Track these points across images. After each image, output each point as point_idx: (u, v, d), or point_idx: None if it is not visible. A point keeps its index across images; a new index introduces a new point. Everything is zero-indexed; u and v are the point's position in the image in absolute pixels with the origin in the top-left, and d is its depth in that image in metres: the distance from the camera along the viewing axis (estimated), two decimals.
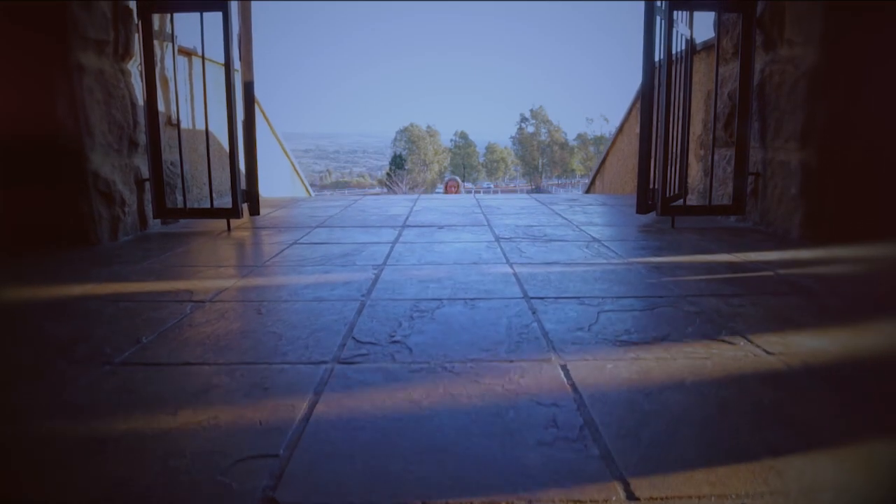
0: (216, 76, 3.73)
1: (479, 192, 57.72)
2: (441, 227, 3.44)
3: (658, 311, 1.81)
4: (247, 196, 3.58)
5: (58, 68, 2.91)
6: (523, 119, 58.47)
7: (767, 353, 1.47)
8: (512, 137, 60.12)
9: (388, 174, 52.22)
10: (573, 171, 57.35)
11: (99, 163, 3.08)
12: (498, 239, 3.06)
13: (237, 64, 3.45)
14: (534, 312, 1.80)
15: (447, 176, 10.75)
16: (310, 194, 7.98)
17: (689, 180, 4.68)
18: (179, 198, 3.76)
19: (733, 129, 3.56)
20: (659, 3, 3.39)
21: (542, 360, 1.42)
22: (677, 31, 3.53)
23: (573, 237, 3.11)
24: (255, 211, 3.63)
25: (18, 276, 2.44)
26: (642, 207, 3.58)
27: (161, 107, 3.54)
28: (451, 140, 60.60)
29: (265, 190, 6.09)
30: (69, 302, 2.01)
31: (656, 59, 3.46)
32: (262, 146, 6.03)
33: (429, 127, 56.87)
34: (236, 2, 3.42)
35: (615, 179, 6.76)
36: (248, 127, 3.54)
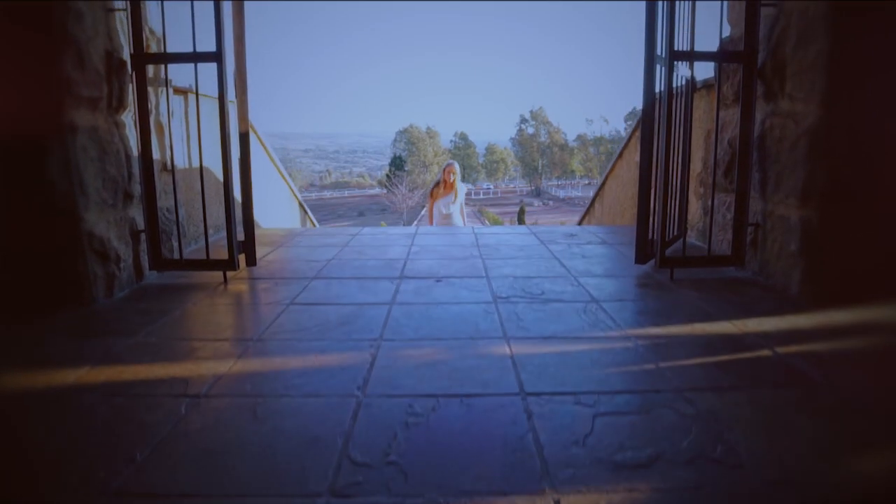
0: (213, 112, 3.66)
1: (478, 193, 57.76)
2: (439, 280, 3.43)
3: (654, 415, 1.80)
4: (243, 246, 3.56)
5: (51, 129, 2.89)
6: (523, 120, 58.53)
7: (763, 481, 1.46)
8: (512, 139, 60.23)
9: (387, 176, 52.23)
10: (573, 171, 57.43)
11: (93, 221, 3.06)
12: (496, 299, 3.04)
13: (233, 118, 3.43)
14: (529, 417, 1.79)
15: (446, 162, 10.18)
16: (310, 219, 7.96)
17: (689, 217, 4.67)
18: (175, 244, 3.74)
19: (733, 177, 3.54)
20: (660, 52, 3.37)
21: (536, 494, 1.41)
22: (678, 73, 3.53)
23: (571, 295, 3.09)
24: (251, 261, 3.61)
25: (10, 352, 2.43)
26: (641, 257, 3.57)
27: (156, 154, 3.53)
28: (451, 141, 60.70)
29: (263, 219, 6.08)
30: (63, 395, 2.00)
31: (656, 103, 3.44)
32: (259, 174, 6.02)
33: (429, 128, 56.92)
34: (231, 53, 3.40)
35: (614, 204, 6.74)
36: (244, 177, 3.52)
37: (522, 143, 57.40)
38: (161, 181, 3.63)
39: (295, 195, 7.50)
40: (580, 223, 8.51)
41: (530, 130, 57.15)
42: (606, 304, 2.94)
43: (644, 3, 3.33)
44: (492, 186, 61.16)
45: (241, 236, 3.62)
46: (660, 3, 3.30)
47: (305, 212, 7.86)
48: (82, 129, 2.99)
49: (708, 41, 3.79)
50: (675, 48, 3.34)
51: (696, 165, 4.54)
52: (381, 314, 2.82)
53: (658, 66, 3.40)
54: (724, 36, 3.76)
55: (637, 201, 3.55)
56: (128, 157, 3.34)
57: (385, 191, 50.51)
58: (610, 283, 3.38)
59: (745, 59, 3.33)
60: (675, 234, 4.05)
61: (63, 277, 3.03)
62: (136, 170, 3.39)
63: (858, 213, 2.94)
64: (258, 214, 5.95)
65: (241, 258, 3.61)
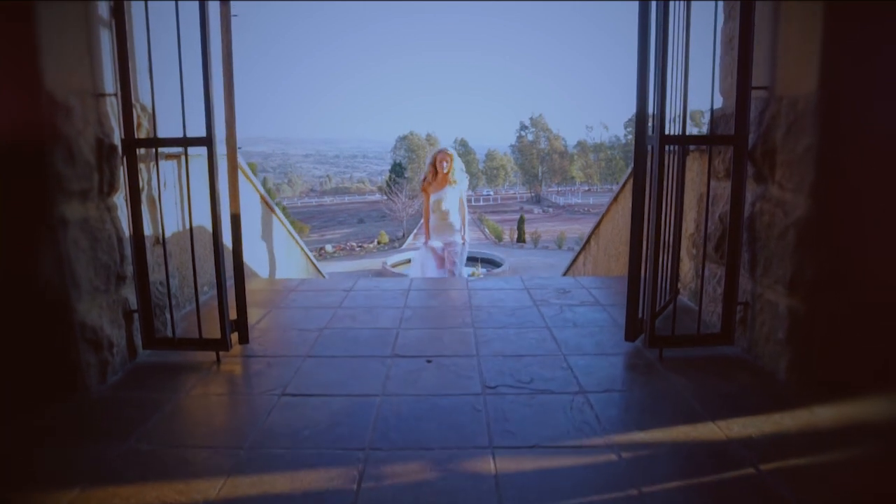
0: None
1: (478, 200, 57.82)
2: (429, 361, 3.44)
3: None
4: (235, 325, 3.59)
5: (41, 227, 2.91)
6: (523, 127, 58.71)
7: None
8: (512, 146, 60.35)
9: (387, 183, 52.38)
10: (573, 178, 57.53)
11: (85, 311, 3.09)
12: (484, 389, 3.06)
13: (224, 201, 3.45)
14: None
15: (436, 149, 8.69)
16: (308, 259, 7.99)
17: (682, 276, 4.70)
18: (169, 316, 3.77)
19: (723, 253, 3.56)
20: (651, 134, 3.39)
21: None
22: (668, 149, 3.56)
23: (559, 384, 3.11)
24: (244, 338, 3.63)
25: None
26: (630, 335, 3.59)
27: (149, 229, 3.56)
28: (451, 147, 60.85)
29: (259, 265, 6.11)
30: None
31: (645, 191, 3.47)
32: (253, 218, 6.04)
33: (429, 135, 57.08)
34: (223, 136, 3.44)
35: (609, 246, 6.78)
36: (237, 256, 3.54)
37: (522, 149, 57.58)
38: (154, 255, 3.66)
39: (292, 236, 7.53)
40: (576, 259, 8.54)
41: (530, 137, 57.31)
42: (594, 397, 2.96)
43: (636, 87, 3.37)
44: (492, 193, 61.50)
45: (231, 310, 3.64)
46: (651, 88, 3.33)
47: (304, 251, 7.89)
48: (73, 222, 3.01)
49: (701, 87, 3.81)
50: (666, 132, 3.37)
51: (689, 226, 4.56)
52: (370, 411, 2.84)
53: (649, 146, 3.42)
54: (715, 106, 3.80)
55: (627, 279, 3.57)
56: (120, 239, 3.37)
57: (385, 197, 50.74)
58: (599, 363, 3.40)
59: (735, 143, 3.34)
60: (667, 298, 4.07)
61: (56, 369, 3.06)
62: (128, 251, 3.42)
63: (847, 306, 2.96)
64: (254, 264, 5.98)
65: (235, 336, 3.62)
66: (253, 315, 4.42)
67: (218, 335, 3.50)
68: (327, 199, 68.45)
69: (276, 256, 6.91)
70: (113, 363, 3.28)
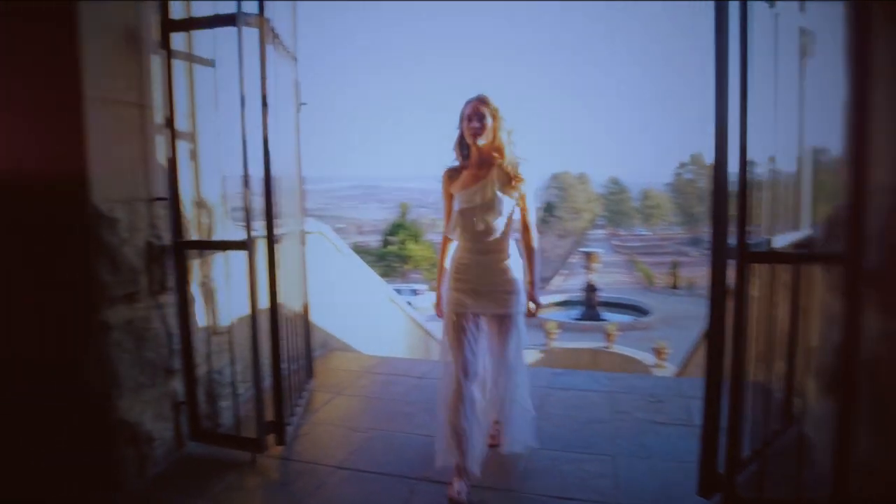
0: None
1: (633, 241, 54.47)
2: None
3: None
4: (273, 426, 3.52)
5: (82, 330, 3.06)
6: (681, 165, 55.18)
7: None
8: (668, 184, 56.98)
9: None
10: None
11: (126, 408, 3.17)
12: None
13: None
14: None
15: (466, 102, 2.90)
16: (414, 322, 8.00)
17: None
18: (226, 404, 3.82)
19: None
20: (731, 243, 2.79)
21: None
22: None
23: None
24: (280, 441, 3.55)
25: None
26: (705, 489, 2.93)
27: (205, 321, 3.65)
28: (604, 186, 58.96)
29: (352, 337, 6.08)
30: None
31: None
32: (346, 288, 6.06)
33: (581, 174, 55.80)
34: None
35: None
36: (276, 351, 3.48)
37: (680, 188, 54.05)
38: (211, 344, 3.73)
39: (394, 301, 7.54)
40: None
41: (688, 176, 53.65)
42: None
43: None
44: (650, 233, 58.21)
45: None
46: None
47: (410, 318, 7.89)
48: (117, 325, 3.12)
49: None
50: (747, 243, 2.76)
51: (813, 336, 3.71)
52: None
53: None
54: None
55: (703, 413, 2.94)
56: (170, 335, 3.46)
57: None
58: None
59: (846, 264, 2.60)
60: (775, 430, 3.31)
61: (99, 466, 3.16)
62: (178, 344, 3.51)
63: None
64: (345, 332, 5.98)
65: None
66: (316, 400, 4.39)
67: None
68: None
69: (373, 324, 6.93)
70: (154, 456, 3.34)
